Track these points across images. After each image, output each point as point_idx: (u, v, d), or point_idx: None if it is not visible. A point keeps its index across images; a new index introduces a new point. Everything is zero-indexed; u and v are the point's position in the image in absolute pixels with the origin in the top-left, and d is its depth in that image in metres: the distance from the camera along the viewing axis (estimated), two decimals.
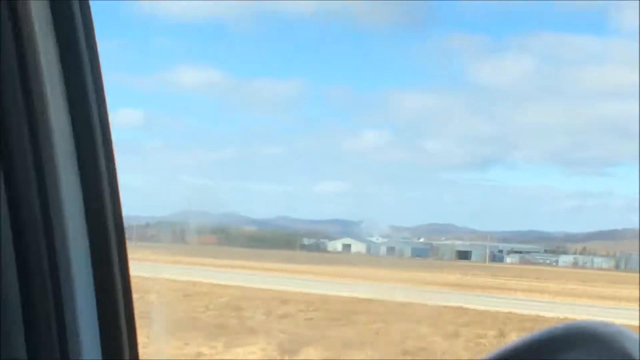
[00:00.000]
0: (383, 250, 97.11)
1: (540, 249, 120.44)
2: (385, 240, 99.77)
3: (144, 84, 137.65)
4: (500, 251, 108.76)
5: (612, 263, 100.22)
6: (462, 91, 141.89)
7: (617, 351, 1.37)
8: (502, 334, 25.73)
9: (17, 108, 1.99)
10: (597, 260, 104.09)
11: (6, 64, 1.95)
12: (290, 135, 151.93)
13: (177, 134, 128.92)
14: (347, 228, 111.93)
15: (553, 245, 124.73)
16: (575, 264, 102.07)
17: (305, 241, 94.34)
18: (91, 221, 2.07)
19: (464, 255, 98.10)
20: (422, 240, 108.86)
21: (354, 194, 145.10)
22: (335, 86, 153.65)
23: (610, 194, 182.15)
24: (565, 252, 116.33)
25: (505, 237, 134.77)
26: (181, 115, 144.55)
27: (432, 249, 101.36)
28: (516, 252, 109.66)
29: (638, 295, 45.56)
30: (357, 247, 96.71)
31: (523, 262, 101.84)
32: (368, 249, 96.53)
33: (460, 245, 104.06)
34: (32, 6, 1.95)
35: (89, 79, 2.07)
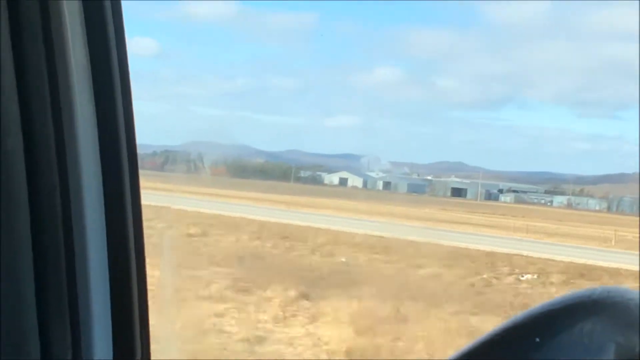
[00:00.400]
0: (380, 185, 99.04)
1: (540, 190, 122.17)
2: (383, 175, 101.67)
3: (160, 14, 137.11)
4: (501, 190, 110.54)
5: (605, 205, 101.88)
6: (476, 29, 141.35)
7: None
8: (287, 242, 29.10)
9: (44, 110, 1.96)
10: (592, 202, 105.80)
11: (35, 64, 1.94)
12: (303, 68, 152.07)
13: (190, 64, 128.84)
14: (356, 162, 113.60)
15: (554, 187, 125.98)
16: (569, 205, 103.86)
17: (302, 174, 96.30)
18: (110, 217, 2.06)
19: (457, 192, 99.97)
20: (422, 176, 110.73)
21: (367, 129, 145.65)
22: (348, 21, 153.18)
23: (622, 138, 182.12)
24: (563, 194, 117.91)
25: (516, 177, 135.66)
26: (195, 45, 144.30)
27: (429, 185, 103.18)
28: (513, 191, 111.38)
29: (596, 234, 47.67)
30: (354, 181, 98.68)
31: (518, 201, 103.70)
32: (365, 184, 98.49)
33: (457, 182, 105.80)
34: (64, 5, 1.96)
35: (116, 74, 2.07)
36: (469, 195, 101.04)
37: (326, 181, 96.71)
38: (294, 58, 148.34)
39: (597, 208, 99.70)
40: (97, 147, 2.05)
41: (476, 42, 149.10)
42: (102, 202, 2.05)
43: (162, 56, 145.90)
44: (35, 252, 1.94)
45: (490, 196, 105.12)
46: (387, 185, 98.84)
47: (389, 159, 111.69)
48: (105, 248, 2.06)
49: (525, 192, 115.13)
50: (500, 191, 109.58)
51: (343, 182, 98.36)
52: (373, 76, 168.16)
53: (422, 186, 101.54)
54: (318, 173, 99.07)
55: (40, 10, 1.92)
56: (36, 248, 1.94)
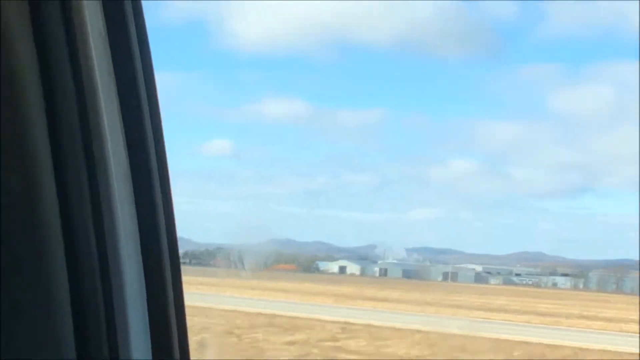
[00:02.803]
0: (376, 271, 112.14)
1: (542, 272, 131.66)
2: (381, 262, 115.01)
3: (232, 116, 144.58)
4: (488, 272, 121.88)
5: (573, 283, 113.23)
6: (544, 120, 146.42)
7: None
8: None
9: (71, 114, 1.98)
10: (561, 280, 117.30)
11: (59, 66, 1.96)
12: (377, 163, 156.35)
13: (268, 163, 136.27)
14: (432, 256, 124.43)
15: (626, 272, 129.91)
16: (553, 285, 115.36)
17: (306, 264, 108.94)
18: (142, 221, 2.09)
19: (447, 276, 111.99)
20: (454, 265, 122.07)
21: (446, 222, 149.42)
22: (416, 114, 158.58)
23: None
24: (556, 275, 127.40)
25: (588, 265, 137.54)
26: (269, 145, 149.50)
27: (421, 270, 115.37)
28: (499, 274, 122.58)
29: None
30: (352, 268, 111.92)
31: (505, 282, 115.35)
32: (362, 271, 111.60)
33: (449, 267, 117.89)
34: (85, 6, 1.99)
35: (140, 79, 2.10)
36: (459, 279, 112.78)
37: (321, 268, 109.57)
38: (367, 153, 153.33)
39: (568, 286, 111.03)
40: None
41: (546, 133, 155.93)
42: (132, 194, 2.10)
43: (237, 156, 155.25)
44: (68, 251, 1.96)
45: (481, 279, 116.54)
46: (383, 271, 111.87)
47: (396, 246, 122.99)
48: (139, 249, 2.10)
49: (519, 274, 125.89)
50: (488, 273, 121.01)
51: (342, 269, 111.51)
52: (448, 169, 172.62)
53: (415, 272, 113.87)
54: (317, 262, 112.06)
55: (61, 11, 1.97)
56: (68, 247, 1.97)
